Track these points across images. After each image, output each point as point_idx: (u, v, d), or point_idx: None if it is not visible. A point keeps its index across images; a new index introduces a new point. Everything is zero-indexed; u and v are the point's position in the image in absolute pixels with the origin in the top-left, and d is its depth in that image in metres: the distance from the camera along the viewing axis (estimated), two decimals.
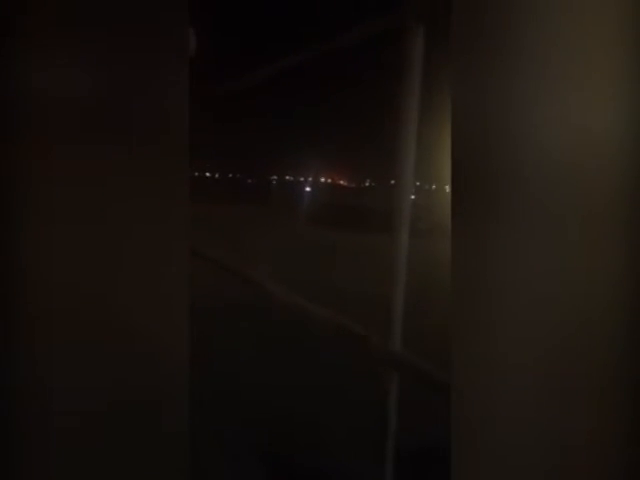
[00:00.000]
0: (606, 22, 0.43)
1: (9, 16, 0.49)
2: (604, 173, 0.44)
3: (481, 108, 0.47)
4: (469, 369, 0.48)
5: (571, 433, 0.45)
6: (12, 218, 0.52)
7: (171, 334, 0.58)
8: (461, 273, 0.48)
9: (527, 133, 0.46)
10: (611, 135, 0.44)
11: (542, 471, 0.46)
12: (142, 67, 0.53)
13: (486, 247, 0.47)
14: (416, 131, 0.73)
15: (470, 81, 0.48)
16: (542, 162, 0.46)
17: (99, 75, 0.52)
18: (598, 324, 0.44)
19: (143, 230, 0.56)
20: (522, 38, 0.45)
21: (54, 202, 0.53)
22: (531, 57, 0.45)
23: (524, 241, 0.46)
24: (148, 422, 0.57)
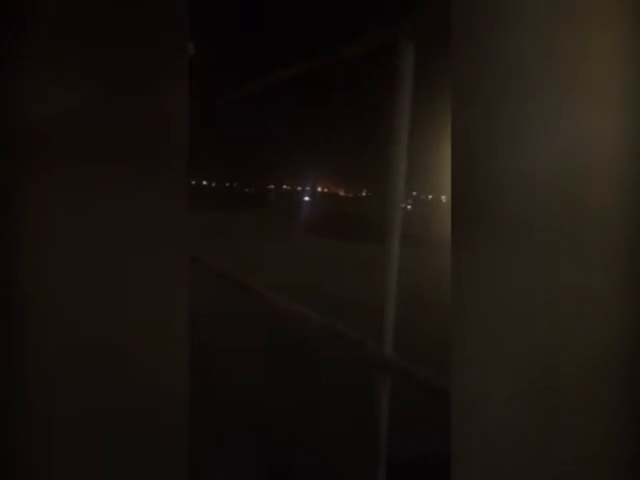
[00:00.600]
0: (608, 30, 0.43)
1: (11, 22, 0.49)
2: (606, 184, 0.44)
3: (481, 119, 0.47)
4: (468, 377, 0.49)
5: (571, 439, 0.46)
6: (12, 224, 0.52)
7: (170, 338, 0.58)
8: (461, 283, 0.49)
9: (528, 144, 0.46)
10: (613, 147, 0.44)
11: (542, 476, 0.47)
12: (142, 75, 0.54)
13: (486, 257, 0.48)
14: (407, 142, 0.74)
15: (471, 93, 0.48)
16: (542, 173, 0.46)
17: (99, 83, 0.53)
18: (597, 331, 0.45)
19: (143, 234, 0.56)
20: (523, 48, 0.45)
21: (54, 206, 0.53)
22: (532, 68, 0.45)
23: (524, 251, 0.46)
24: (147, 426, 0.57)
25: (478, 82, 0.48)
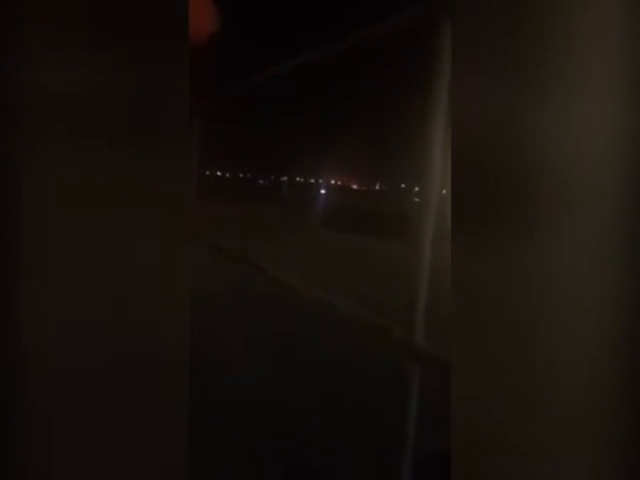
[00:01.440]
0: (615, 23, 0.43)
1: (10, 18, 0.49)
2: (609, 178, 0.44)
3: (483, 111, 0.47)
4: (469, 377, 0.49)
5: (573, 435, 0.45)
6: (12, 212, 0.52)
7: (172, 332, 0.58)
8: (461, 280, 0.49)
9: (531, 137, 0.45)
10: (616, 139, 0.43)
11: (544, 471, 0.46)
12: (143, 65, 0.54)
13: (487, 253, 0.48)
14: (444, 131, 0.69)
15: (471, 83, 0.47)
16: (546, 166, 0.45)
17: (99, 71, 0.53)
18: (598, 322, 0.45)
19: (143, 226, 0.56)
20: (525, 39, 0.44)
21: (54, 197, 0.53)
22: (535, 58, 0.45)
23: (524, 242, 0.46)
24: (147, 418, 0.57)
25: (478, 75, 0.47)
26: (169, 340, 0.58)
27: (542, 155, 0.46)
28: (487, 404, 0.49)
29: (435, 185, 0.69)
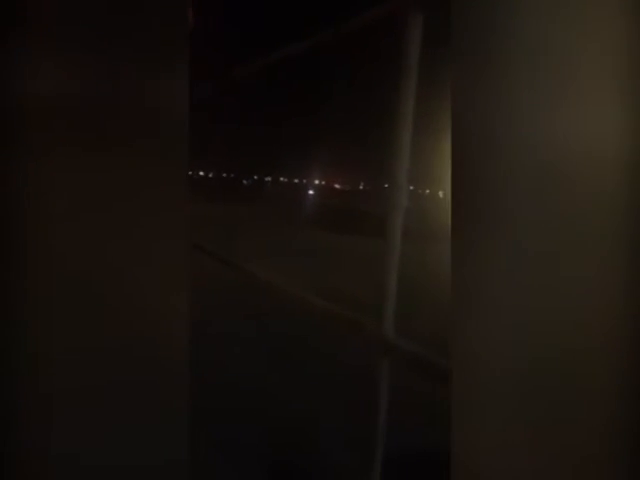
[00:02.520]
0: (611, 24, 0.43)
1: (7, 17, 0.49)
2: (606, 180, 0.44)
3: (482, 113, 0.47)
4: (468, 377, 0.49)
5: (570, 430, 0.46)
6: (14, 214, 0.52)
7: (171, 327, 0.58)
8: (460, 279, 0.48)
9: (528, 138, 0.46)
10: (613, 142, 0.44)
11: (541, 468, 0.47)
12: (143, 63, 0.54)
13: (485, 253, 0.48)
14: (411, 130, 0.70)
15: (471, 86, 0.47)
16: (542, 167, 0.46)
17: (98, 72, 0.53)
18: (597, 322, 0.45)
19: (142, 226, 0.56)
20: (524, 40, 0.45)
21: (52, 192, 0.53)
22: (534, 60, 0.45)
23: (524, 242, 0.46)
24: (147, 415, 0.58)
25: (478, 77, 0.47)
26: (169, 337, 0.57)
27: (541, 158, 0.45)
28: (486, 403, 0.48)
29: (404, 183, 0.70)
